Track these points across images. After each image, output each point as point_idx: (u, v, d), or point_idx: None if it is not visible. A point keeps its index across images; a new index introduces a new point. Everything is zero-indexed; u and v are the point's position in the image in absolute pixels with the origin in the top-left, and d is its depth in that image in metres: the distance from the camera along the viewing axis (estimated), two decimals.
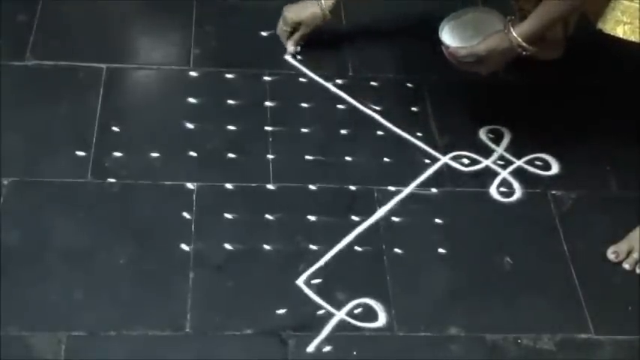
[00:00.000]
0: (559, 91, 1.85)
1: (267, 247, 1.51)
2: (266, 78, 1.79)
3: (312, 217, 1.57)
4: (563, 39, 1.85)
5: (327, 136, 1.70)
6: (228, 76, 1.79)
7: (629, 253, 1.57)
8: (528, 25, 1.52)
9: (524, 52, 1.54)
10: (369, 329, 1.43)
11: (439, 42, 1.63)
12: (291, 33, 1.83)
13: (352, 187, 1.62)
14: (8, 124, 1.61)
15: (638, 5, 1.44)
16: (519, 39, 1.51)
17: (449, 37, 1.63)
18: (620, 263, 1.56)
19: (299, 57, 1.85)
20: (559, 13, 1.53)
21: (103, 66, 1.76)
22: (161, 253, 1.48)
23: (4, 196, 1.51)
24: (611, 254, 1.57)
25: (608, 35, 1.51)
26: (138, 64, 1.79)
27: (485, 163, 1.70)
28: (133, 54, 1.83)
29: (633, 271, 1.56)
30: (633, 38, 1.45)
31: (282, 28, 1.83)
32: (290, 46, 1.84)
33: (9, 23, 1.81)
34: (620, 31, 1.45)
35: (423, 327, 1.44)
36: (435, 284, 1.50)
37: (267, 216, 1.56)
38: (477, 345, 1.43)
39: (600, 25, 1.50)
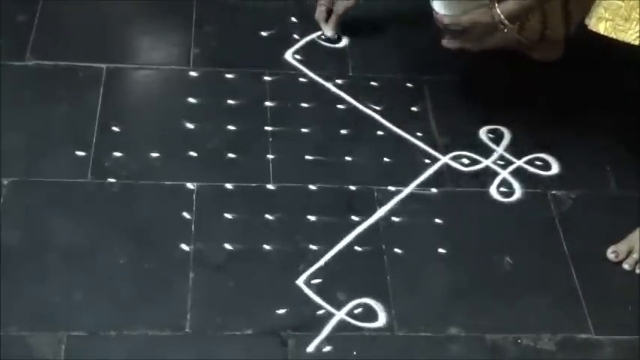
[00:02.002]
0: (559, 91, 1.85)
1: (267, 247, 1.51)
2: (266, 78, 1.79)
3: (312, 217, 1.57)
4: (564, 40, 1.85)
5: (327, 136, 1.70)
6: (228, 76, 1.79)
7: (629, 254, 1.57)
8: (512, 3, 1.55)
9: (505, 30, 1.57)
10: (369, 329, 1.43)
11: (431, 8, 1.66)
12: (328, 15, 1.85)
13: (352, 187, 1.62)
14: (8, 124, 1.61)
15: (619, 2, 1.44)
16: (501, 15, 1.55)
17: (439, 3, 1.66)
18: (619, 263, 1.56)
19: (299, 57, 1.85)
20: None
21: (103, 66, 1.76)
22: (161, 253, 1.48)
23: (4, 196, 1.51)
24: (610, 254, 1.57)
25: (608, 37, 1.51)
26: (138, 64, 1.79)
27: (486, 163, 1.70)
28: (133, 54, 1.83)
29: (633, 271, 1.56)
30: (614, 35, 1.46)
31: None
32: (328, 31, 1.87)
33: (9, 23, 1.81)
34: (601, 28, 1.46)
35: (423, 327, 1.44)
36: (435, 284, 1.50)
37: (267, 216, 1.56)
38: (477, 345, 1.43)
39: (587, 21, 1.50)
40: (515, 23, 1.58)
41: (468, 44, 1.64)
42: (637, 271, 1.56)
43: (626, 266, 1.56)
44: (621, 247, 1.57)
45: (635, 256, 1.56)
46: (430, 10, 1.67)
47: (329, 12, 1.86)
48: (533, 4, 1.61)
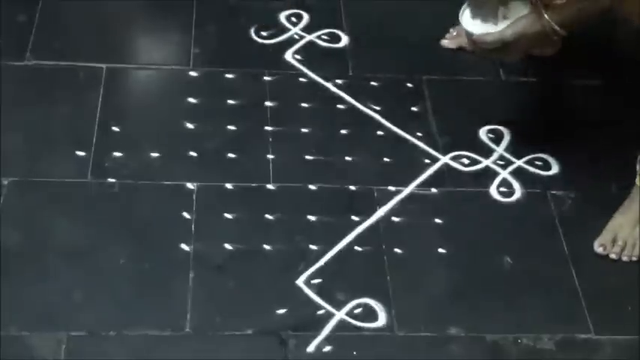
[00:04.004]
0: (559, 91, 1.85)
1: (267, 247, 1.51)
2: (266, 78, 1.79)
3: (312, 217, 1.57)
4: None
5: (327, 136, 1.70)
6: (228, 76, 1.79)
7: (613, 242, 1.56)
8: (567, 10, 1.44)
9: (555, 37, 1.47)
10: (369, 329, 1.43)
11: (462, 29, 1.57)
12: None
13: (352, 187, 1.62)
14: (8, 124, 1.61)
15: None
16: (553, 23, 1.44)
17: (470, 23, 1.54)
18: (608, 255, 1.56)
19: (299, 57, 1.85)
20: (602, 3, 1.44)
21: (103, 66, 1.76)
22: (161, 253, 1.48)
23: (4, 196, 1.51)
24: (598, 248, 1.56)
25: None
26: (138, 64, 1.79)
27: (486, 163, 1.70)
28: (133, 54, 1.83)
29: (620, 259, 1.55)
30: None
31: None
32: None
33: (9, 23, 1.81)
34: None
35: (423, 327, 1.44)
36: (435, 284, 1.50)
37: (267, 216, 1.56)
38: (477, 345, 1.43)
39: None
40: (569, 30, 1.45)
41: (510, 58, 1.53)
42: (624, 259, 1.56)
43: (612, 256, 1.56)
44: (605, 237, 1.57)
45: (620, 243, 1.56)
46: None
47: None
48: (591, 10, 1.45)
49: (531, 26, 1.47)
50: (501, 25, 1.51)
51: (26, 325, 1.36)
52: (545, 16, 1.45)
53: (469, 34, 1.55)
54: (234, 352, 1.37)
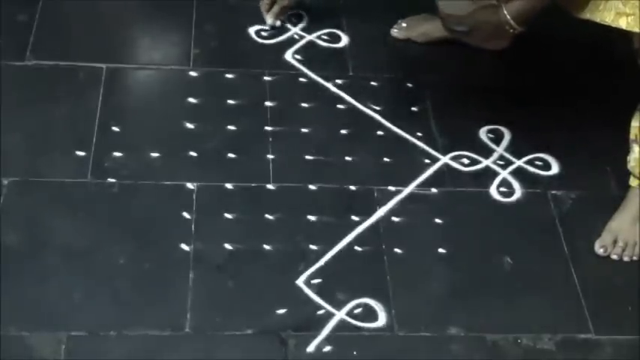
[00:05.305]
0: (559, 91, 1.85)
1: (267, 247, 1.51)
2: (266, 78, 1.79)
3: (312, 217, 1.57)
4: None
5: (327, 136, 1.70)
6: (228, 76, 1.79)
7: (614, 244, 1.57)
8: (521, 4, 1.47)
9: (511, 30, 1.50)
10: (369, 329, 1.43)
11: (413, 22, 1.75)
12: (271, 5, 1.87)
13: (352, 187, 1.62)
14: (8, 124, 1.61)
15: None
16: (508, 16, 1.47)
17: (443, 3, 1.56)
18: (609, 256, 1.57)
19: (299, 57, 1.85)
20: None
21: (103, 66, 1.76)
22: (161, 253, 1.48)
23: (4, 196, 1.51)
24: (599, 249, 1.57)
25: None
26: (138, 64, 1.79)
27: (486, 163, 1.70)
28: (133, 54, 1.83)
29: (621, 259, 1.56)
30: (637, 29, 1.44)
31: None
32: (269, 19, 1.88)
33: (9, 23, 1.81)
34: (622, 23, 1.43)
35: (423, 327, 1.44)
36: (435, 284, 1.50)
37: (267, 216, 1.56)
38: (477, 345, 1.43)
39: (593, 16, 1.46)
40: (523, 25, 1.49)
41: (471, 42, 1.58)
42: (625, 259, 1.56)
43: (614, 256, 1.56)
44: (606, 238, 1.57)
45: (620, 244, 1.56)
46: (430, 11, 1.67)
47: (272, 2, 1.87)
48: (542, 3, 1.49)
49: (490, 17, 1.49)
50: (468, 8, 1.52)
51: (26, 325, 1.36)
52: (504, 9, 1.47)
53: (439, 6, 1.56)
54: (234, 352, 1.37)
